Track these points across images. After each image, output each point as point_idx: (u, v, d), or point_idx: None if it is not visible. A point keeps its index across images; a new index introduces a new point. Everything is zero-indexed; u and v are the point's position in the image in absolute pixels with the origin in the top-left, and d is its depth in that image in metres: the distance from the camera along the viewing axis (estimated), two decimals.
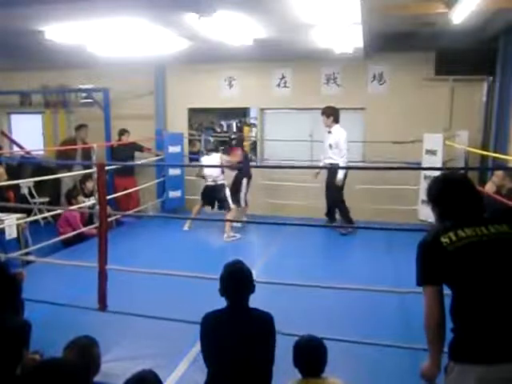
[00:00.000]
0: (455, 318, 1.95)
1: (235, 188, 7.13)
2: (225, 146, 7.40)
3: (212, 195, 6.90)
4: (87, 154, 7.81)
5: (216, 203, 6.95)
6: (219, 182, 6.85)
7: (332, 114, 6.76)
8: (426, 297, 1.97)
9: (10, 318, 2.36)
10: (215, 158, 6.85)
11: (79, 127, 8.16)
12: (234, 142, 7.22)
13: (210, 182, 6.89)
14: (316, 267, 5.37)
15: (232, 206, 6.83)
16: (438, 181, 2.16)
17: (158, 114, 8.75)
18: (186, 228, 6.99)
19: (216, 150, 7.26)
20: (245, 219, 6.98)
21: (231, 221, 6.66)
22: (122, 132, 8.05)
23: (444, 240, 1.92)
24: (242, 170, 7.09)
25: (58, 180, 7.95)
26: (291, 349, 2.42)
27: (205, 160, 7.02)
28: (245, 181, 7.17)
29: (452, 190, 2.05)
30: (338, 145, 6.63)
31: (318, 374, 2.34)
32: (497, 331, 1.85)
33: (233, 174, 7.20)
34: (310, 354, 2.37)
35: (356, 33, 5.38)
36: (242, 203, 7.16)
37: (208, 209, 7.15)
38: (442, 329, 1.96)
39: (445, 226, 2.00)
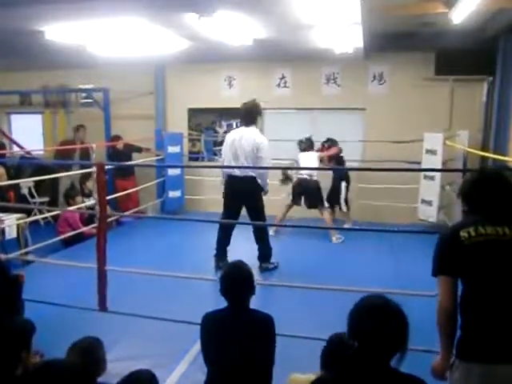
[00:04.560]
0: (463, 315, 1.95)
1: (335, 191, 6.92)
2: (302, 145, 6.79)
3: (304, 191, 6.57)
4: (85, 154, 7.83)
5: (303, 200, 6.60)
6: (314, 178, 6.54)
7: None
8: (439, 288, 1.99)
9: (11, 319, 2.36)
10: (313, 156, 6.63)
11: (77, 128, 8.20)
12: (308, 144, 6.75)
13: (304, 175, 6.55)
14: (316, 268, 5.37)
15: (326, 206, 6.66)
16: (472, 178, 2.15)
17: (158, 114, 8.75)
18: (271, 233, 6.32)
19: (312, 148, 6.83)
20: (348, 224, 6.85)
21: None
22: (115, 139, 8.03)
23: (463, 234, 1.94)
24: (340, 173, 6.84)
25: (56, 180, 7.96)
26: (291, 350, 2.41)
27: (302, 157, 6.70)
28: (343, 184, 6.90)
29: (485, 190, 2.04)
30: None
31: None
32: (503, 331, 1.85)
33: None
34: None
35: (356, 33, 5.38)
36: (344, 208, 6.92)
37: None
38: (453, 322, 1.95)
39: (466, 221, 2.03)
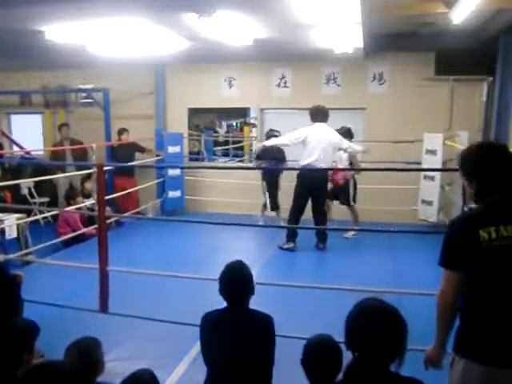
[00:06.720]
0: (468, 312, 1.90)
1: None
2: None
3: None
4: (79, 153, 7.84)
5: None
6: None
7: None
8: (444, 279, 1.91)
9: (13, 320, 2.35)
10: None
11: (59, 127, 8.32)
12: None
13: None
14: (316, 268, 5.38)
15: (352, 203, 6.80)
16: (476, 148, 1.95)
17: (158, 114, 8.75)
18: (350, 235, 6.76)
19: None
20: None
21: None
22: (121, 131, 8.06)
23: (482, 235, 1.79)
24: None
25: (55, 180, 7.97)
26: (291, 351, 2.40)
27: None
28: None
29: (494, 159, 1.87)
30: None
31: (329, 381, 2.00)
32: (510, 336, 1.81)
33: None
34: (323, 357, 2.06)
35: (356, 33, 5.38)
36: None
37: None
38: (453, 314, 1.91)
39: (486, 215, 1.85)
